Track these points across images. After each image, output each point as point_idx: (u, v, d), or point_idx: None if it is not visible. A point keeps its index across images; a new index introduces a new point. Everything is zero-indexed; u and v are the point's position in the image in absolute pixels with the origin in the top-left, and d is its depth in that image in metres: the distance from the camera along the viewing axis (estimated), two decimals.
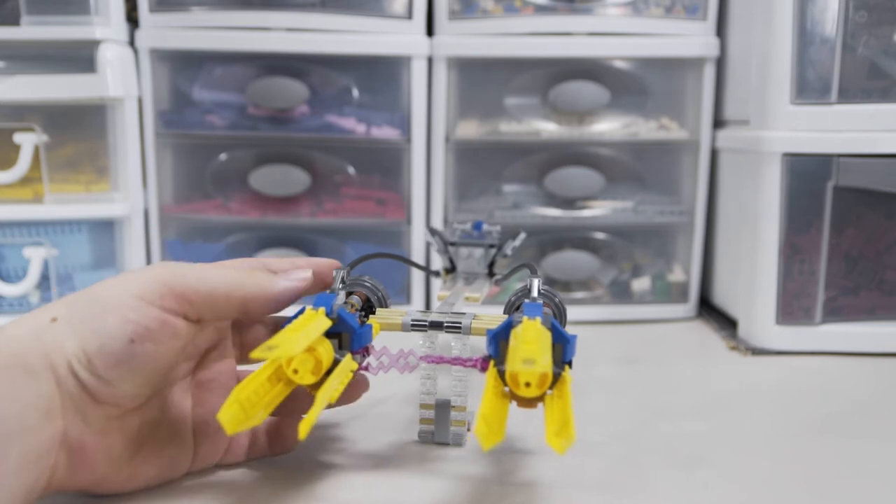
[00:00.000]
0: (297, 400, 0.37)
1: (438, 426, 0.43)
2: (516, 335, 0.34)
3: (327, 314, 0.36)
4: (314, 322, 0.35)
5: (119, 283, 0.33)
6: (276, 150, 0.74)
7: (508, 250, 0.55)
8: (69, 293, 0.69)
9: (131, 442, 0.34)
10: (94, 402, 0.32)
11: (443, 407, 0.43)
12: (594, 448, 0.43)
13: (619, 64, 0.74)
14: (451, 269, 0.55)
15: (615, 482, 0.39)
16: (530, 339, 0.33)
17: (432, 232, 0.56)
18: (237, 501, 0.35)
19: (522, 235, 0.56)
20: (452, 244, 0.54)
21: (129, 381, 0.32)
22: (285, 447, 0.40)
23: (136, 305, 0.32)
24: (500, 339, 0.36)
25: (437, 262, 0.65)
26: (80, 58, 0.67)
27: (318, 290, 0.41)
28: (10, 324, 0.32)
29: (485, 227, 0.56)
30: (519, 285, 0.43)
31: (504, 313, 0.42)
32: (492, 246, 0.55)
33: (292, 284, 0.37)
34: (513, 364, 0.31)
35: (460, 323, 0.40)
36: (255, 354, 0.31)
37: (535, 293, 0.40)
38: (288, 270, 0.38)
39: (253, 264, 0.39)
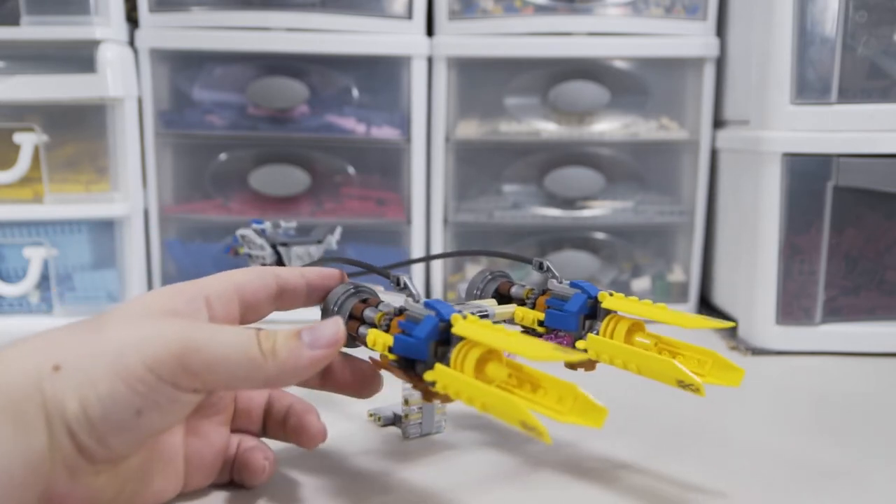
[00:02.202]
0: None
1: (426, 418, 0.44)
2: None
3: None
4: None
5: (130, 341, 0.29)
6: (276, 150, 0.74)
7: (334, 244, 0.54)
8: (68, 293, 0.70)
9: (115, 485, 0.31)
10: (88, 461, 0.29)
11: None
12: (593, 447, 0.43)
13: (619, 64, 0.74)
14: None
15: (618, 482, 0.39)
16: None
17: (260, 233, 0.52)
18: None
19: (339, 229, 0.55)
20: (284, 244, 0.52)
21: (131, 446, 0.30)
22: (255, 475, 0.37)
23: (147, 380, 0.29)
24: (581, 314, 0.39)
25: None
26: (80, 58, 0.67)
27: (315, 301, 0.38)
28: (5, 354, 0.29)
29: (266, 223, 0.53)
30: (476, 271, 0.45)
31: (469, 299, 0.44)
32: (318, 242, 0.54)
33: (321, 354, 0.31)
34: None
35: (487, 310, 0.40)
36: (576, 360, 0.29)
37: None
38: (314, 327, 0.32)
39: (263, 275, 0.36)
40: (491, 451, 0.42)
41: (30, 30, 0.67)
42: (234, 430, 0.38)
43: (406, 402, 0.43)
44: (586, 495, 0.37)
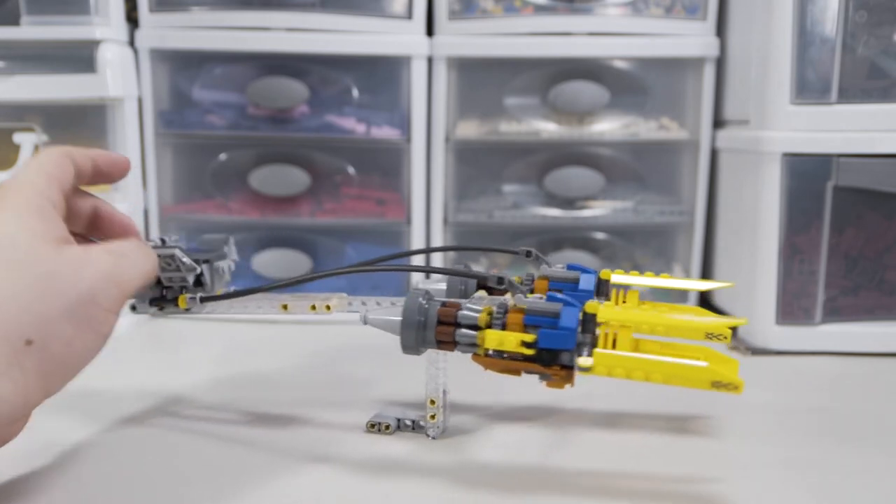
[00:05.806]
0: None
1: (446, 416, 0.44)
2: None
3: None
4: None
5: (88, 292, 0.33)
6: (276, 150, 0.74)
7: (235, 255, 0.51)
8: None
9: None
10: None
11: (444, 396, 0.44)
12: (593, 447, 0.43)
13: (619, 64, 0.74)
14: (167, 292, 0.47)
15: (619, 481, 0.39)
16: None
17: (185, 252, 0.47)
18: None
19: (232, 239, 0.51)
20: (206, 262, 0.47)
21: None
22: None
23: (109, 320, 0.34)
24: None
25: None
26: (80, 58, 0.67)
27: (99, 183, 0.41)
28: None
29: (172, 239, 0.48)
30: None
31: (452, 296, 0.45)
32: (223, 257, 0.50)
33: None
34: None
35: (506, 303, 0.40)
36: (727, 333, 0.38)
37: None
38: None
39: (65, 163, 0.37)
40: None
41: (30, 30, 0.67)
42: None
43: (432, 402, 0.43)
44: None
